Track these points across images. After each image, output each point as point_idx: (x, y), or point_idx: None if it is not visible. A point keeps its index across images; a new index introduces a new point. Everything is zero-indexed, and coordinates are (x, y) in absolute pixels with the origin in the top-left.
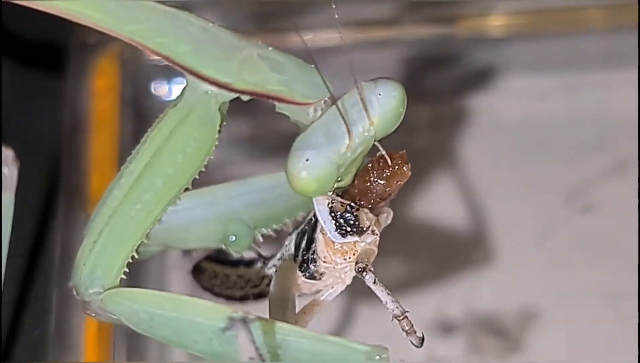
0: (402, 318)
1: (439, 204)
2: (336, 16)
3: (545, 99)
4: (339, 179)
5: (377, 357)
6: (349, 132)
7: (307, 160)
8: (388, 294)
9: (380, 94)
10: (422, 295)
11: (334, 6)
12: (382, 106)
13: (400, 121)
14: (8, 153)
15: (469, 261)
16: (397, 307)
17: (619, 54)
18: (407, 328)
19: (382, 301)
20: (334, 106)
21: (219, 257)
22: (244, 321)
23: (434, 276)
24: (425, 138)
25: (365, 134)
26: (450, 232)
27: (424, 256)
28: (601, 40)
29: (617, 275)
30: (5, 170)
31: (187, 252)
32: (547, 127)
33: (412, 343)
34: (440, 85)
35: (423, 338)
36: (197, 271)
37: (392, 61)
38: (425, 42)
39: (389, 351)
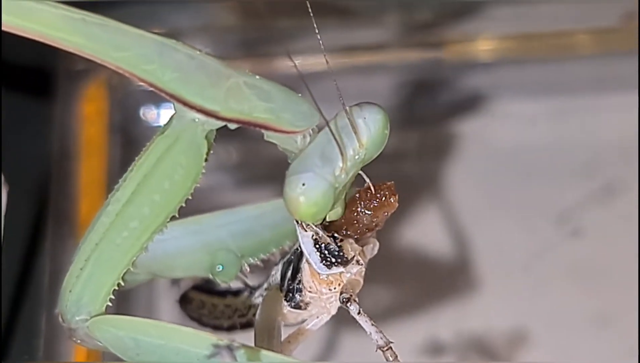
0: (387, 349)
1: (427, 230)
2: (320, 42)
3: (534, 123)
4: (335, 204)
5: None
6: (342, 154)
7: (303, 184)
8: (372, 324)
9: (365, 118)
10: (411, 320)
11: (317, 32)
12: (369, 128)
13: (385, 142)
14: None
15: (458, 285)
16: (381, 338)
17: (607, 78)
18: (391, 359)
19: (366, 332)
20: (325, 130)
21: (206, 287)
22: (230, 348)
23: (423, 301)
24: (413, 163)
25: (356, 157)
26: (439, 257)
27: (413, 281)
28: (589, 65)
29: (605, 299)
30: None
31: (175, 282)
32: (536, 152)
33: None
34: (429, 110)
35: None
36: (184, 300)
37: (380, 87)
38: (414, 67)
39: None
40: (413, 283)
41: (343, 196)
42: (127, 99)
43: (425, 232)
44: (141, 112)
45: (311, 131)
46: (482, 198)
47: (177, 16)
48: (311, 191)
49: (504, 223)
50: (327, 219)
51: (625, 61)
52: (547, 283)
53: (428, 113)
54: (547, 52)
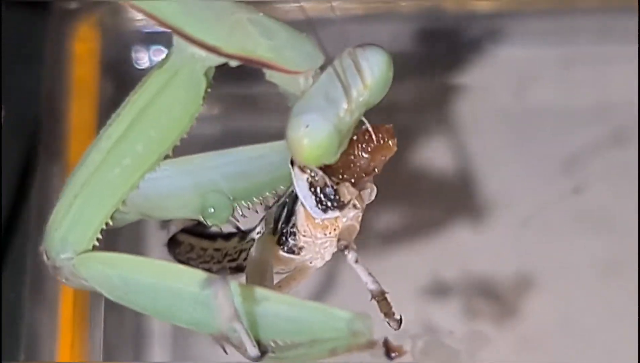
0: (382, 300)
1: (433, 171)
2: None
3: (539, 72)
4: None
5: (359, 325)
6: (346, 95)
7: (307, 126)
8: (369, 274)
9: (368, 59)
10: (416, 260)
11: None
12: (372, 70)
13: (389, 85)
14: None
15: (464, 228)
16: (377, 288)
17: (612, 29)
18: (385, 309)
19: (362, 281)
20: (329, 70)
21: (195, 230)
22: (223, 283)
23: (428, 242)
24: (413, 114)
25: (360, 98)
26: (447, 198)
27: (417, 223)
28: (594, 17)
29: (614, 246)
30: None
31: (164, 224)
32: (541, 101)
33: (390, 325)
34: (430, 60)
35: (401, 321)
36: (173, 243)
37: (378, 35)
38: (412, 17)
39: (371, 319)
40: (417, 225)
41: (347, 140)
42: (119, 40)
43: (430, 175)
44: (133, 53)
45: (315, 73)
46: (488, 147)
47: None
48: (315, 133)
49: (509, 171)
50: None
51: (631, 13)
52: (554, 230)
53: (429, 63)
54: (549, 3)
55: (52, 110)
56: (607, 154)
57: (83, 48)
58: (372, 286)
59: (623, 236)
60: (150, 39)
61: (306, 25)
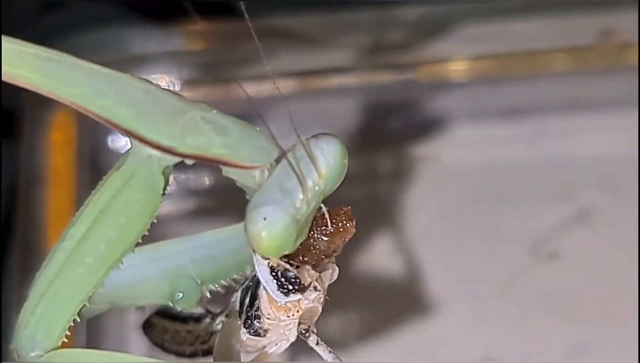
0: None
1: (393, 256)
2: (268, 68)
3: (508, 145)
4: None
5: None
6: (302, 185)
7: (265, 219)
8: (330, 352)
9: (322, 148)
10: (383, 351)
11: (263, 58)
12: (327, 158)
13: (344, 172)
14: None
15: (427, 315)
16: None
17: (582, 98)
18: None
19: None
20: (283, 162)
21: (169, 313)
22: None
23: (389, 332)
24: (380, 186)
25: (316, 188)
26: (406, 286)
27: (378, 311)
28: (564, 85)
29: (581, 328)
30: None
31: (139, 307)
32: (510, 175)
33: None
34: (398, 132)
35: None
36: (147, 326)
37: (348, 109)
38: (384, 89)
39: None
40: (378, 314)
41: (306, 229)
42: (95, 127)
43: (390, 259)
44: (110, 140)
45: (269, 166)
46: (454, 222)
47: (140, 42)
48: (273, 225)
49: (477, 248)
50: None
51: (600, 80)
52: (521, 312)
53: (398, 135)
54: (521, 71)
55: (28, 199)
56: (573, 233)
57: (59, 136)
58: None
59: (595, 317)
60: None
61: (267, 106)
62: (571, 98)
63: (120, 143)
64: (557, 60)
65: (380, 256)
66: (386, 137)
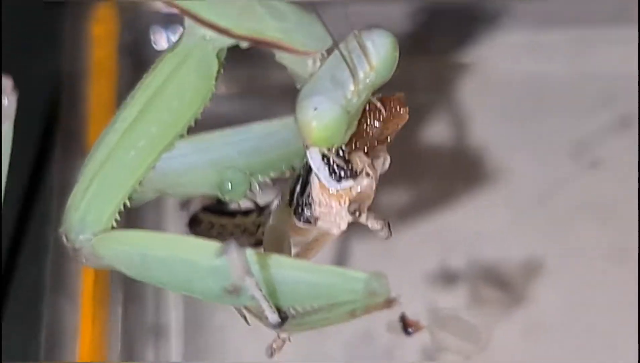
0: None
1: (443, 156)
2: None
3: (550, 54)
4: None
5: (376, 284)
6: (353, 76)
7: (315, 108)
8: (382, 225)
9: (374, 40)
10: (425, 245)
11: None
12: (378, 51)
13: (395, 66)
14: (7, 83)
15: (472, 215)
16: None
17: (624, 11)
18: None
19: (370, 228)
20: (336, 53)
21: (215, 208)
22: (236, 244)
23: (438, 227)
24: (425, 93)
25: (367, 80)
26: (455, 184)
27: (428, 206)
28: None
29: (621, 233)
30: (4, 100)
31: (184, 205)
32: (552, 84)
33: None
34: (443, 40)
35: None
36: (193, 223)
37: (392, 15)
38: None
39: (387, 278)
40: (426, 209)
41: (355, 121)
42: (137, 21)
43: (438, 159)
44: (151, 34)
45: (322, 56)
46: (497, 129)
47: None
48: (324, 115)
49: (520, 154)
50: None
51: None
52: (562, 216)
53: (442, 42)
54: None
55: (71, 92)
56: (615, 140)
57: (101, 30)
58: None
59: (630, 223)
60: (168, 20)
61: (311, 8)
62: (616, 10)
63: (162, 38)
64: None
65: (423, 158)
66: (430, 44)
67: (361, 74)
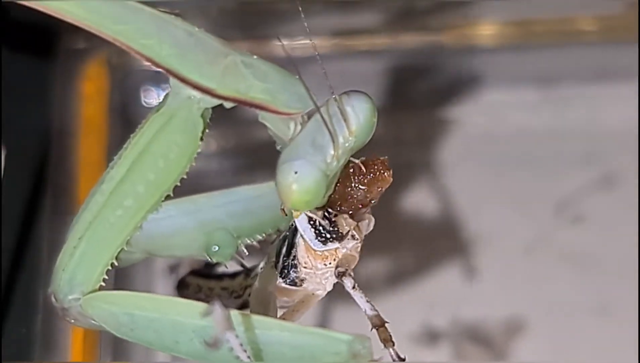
0: (381, 327)
1: (423, 215)
2: (306, 25)
3: (534, 111)
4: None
5: (359, 346)
6: (333, 141)
7: (296, 172)
8: (367, 301)
9: (353, 105)
10: (408, 304)
11: (302, 15)
12: (357, 116)
13: (374, 130)
14: None
15: (454, 272)
16: (376, 315)
17: (609, 66)
18: (384, 337)
19: (361, 309)
20: (316, 117)
21: (203, 271)
22: (220, 305)
23: (418, 288)
24: (409, 148)
25: (346, 144)
26: (435, 243)
27: (409, 266)
28: (592, 53)
29: (605, 288)
30: None
31: (173, 269)
32: (536, 140)
33: (391, 355)
34: (427, 95)
35: (400, 357)
36: (181, 286)
37: (377, 71)
38: (412, 52)
39: (370, 341)
40: (409, 269)
41: (333, 184)
42: (127, 79)
43: (420, 217)
44: (142, 92)
45: (302, 119)
46: (481, 185)
47: None
48: (304, 179)
49: (503, 210)
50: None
51: (628, 50)
52: (545, 272)
53: (426, 98)
54: (549, 38)
55: (60, 149)
56: (597, 198)
57: (92, 87)
58: (370, 312)
59: (618, 277)
60: (159, 78)
61: (292, 66)
62: (599, 67)
63: (152, 96)
64: (586, 28)
65: (405, 217)
66: (414, 100)
67: (341, 139)
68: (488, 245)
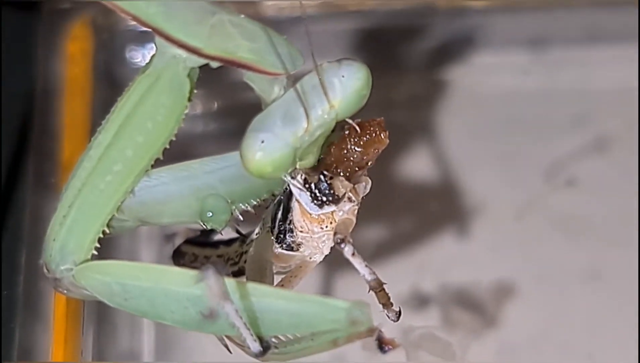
0: (380, 291)
1: (416, 178)
2: None
3: (526, 73)
4: (298, 160)
5: (358, 313)
6: (307, 115)
7: (262, 142)
8: (366, 266)
9: (343, 76)
10: (397, 268)
11: None
12: (345, 88)
13: (363, 103)
14: None
15: (445, 236)
16: (374, 279)
17: (603, 28)
18: (383, 300)
19: (359, 273)
20: (294, 88)
21: (198, 240)
22: (213, 270)
23: (408, 252)
24: (400, 111)
25: (325, 116)
26: (426, 206)
27: (398, 231)
28: (584, 14)
29: (597, 252)
30: None
31: (168, 238)
32: (527, 103)
33: (389, 317)
34: (417, 57)
35: (400, 312)
36: (177, 255)
37: (367, 31)
38: (403, 12)
39: (370, 307)
40: (397, 233)
41: (315, 150)
42: (112, 40)
43: (410, 181)
44: (127, 53)
45: (287, 82)
46: (472, 149)
47: None
48: (268, 151)
49: (494, 173)
50: (300, 168)
51: (622, 12)
52: (536, 236)
53: (417, 60)
54: (540, 1)
55: (44, 109)
56: (589, 161)
57: (76, 48)
58: (369, 277)
59: (609, 242)
60: (144, 38)
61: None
62: (591, 29)
63: (137, 56)
64: None
65: (394, 180)
66: (404, 61)
67: (319, 111)
68: (478, 209)
